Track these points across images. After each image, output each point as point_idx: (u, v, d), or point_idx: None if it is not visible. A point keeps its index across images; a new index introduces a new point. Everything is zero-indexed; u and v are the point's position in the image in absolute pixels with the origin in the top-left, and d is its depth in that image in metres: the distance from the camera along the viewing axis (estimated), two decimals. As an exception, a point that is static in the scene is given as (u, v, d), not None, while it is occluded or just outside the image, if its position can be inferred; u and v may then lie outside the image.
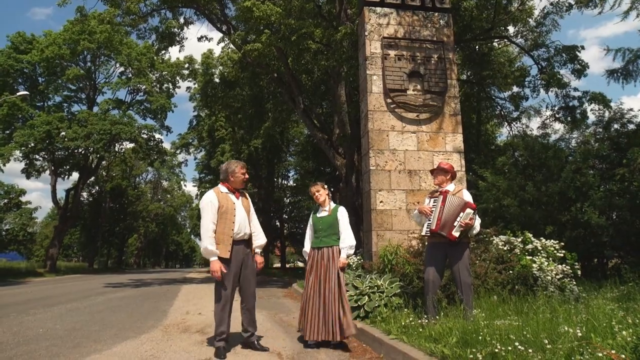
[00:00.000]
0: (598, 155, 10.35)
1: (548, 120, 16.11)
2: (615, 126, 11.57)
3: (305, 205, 34.84)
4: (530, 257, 6.32)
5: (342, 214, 4.74)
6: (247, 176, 4.51)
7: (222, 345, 4.13)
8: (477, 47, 16.28)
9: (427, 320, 4.26)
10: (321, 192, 4.76)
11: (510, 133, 17.12)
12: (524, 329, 3.45)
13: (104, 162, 35.83)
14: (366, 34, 7.83)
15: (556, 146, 11.30)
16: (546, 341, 3.06)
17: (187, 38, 17.11)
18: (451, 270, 4.62)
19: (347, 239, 4.59)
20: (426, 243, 6.40)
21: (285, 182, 38.04)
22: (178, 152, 35.04)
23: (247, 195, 4.60)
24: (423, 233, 4.78)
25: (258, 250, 4.51)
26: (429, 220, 4.64)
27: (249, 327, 4.34)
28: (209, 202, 4.25)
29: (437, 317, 4.41)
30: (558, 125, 15.38)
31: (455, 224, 4.42)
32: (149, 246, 61.77)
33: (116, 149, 31.38)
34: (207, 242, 4.14)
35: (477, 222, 4.61)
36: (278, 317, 6.66)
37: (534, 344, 3.10)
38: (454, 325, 3.81)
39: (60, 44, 26.67)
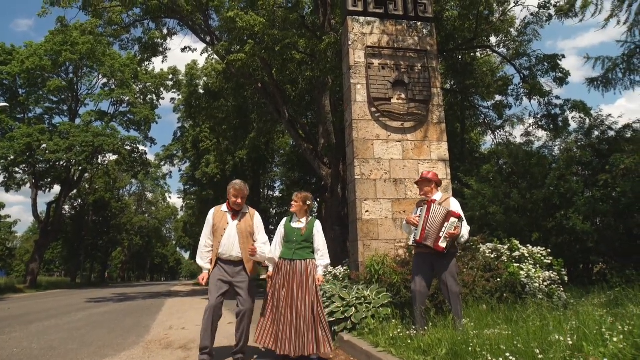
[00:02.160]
0: (581, 162, 10.44)
1: (531, 128, 16.30)
2: (596, 133, 11.73)
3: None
4: (518, 265, 6.29)
5: (319, 229, 4.62)
6: (238, 200, 4.40)
7: (205, 359, 4.02)
8: (460, 56, 16.44)
9: (415, 331, 4.18)
10: (297, 204, 4.62)
11: (494, 141, 17.26)
12: (515, 338, 3.38)
13: (86, 175, 35.26)
14: (350, 43, 7.82)
15: (540, 153, 11.38)
16: (537, 351, 2.99)
17: (170, 49, 17.01)
18: (439, 280, 4.56)
19: (325, 257, 4.51)
20: (413, 253, 6.41)
21: (271, 193, 37.84)
22: (162, 163, 34.63)
23: (252, 215, 4.55)
24: (410, 243, 4.71)
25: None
26: (416, 230, 4.58)
27: (237, 345, 4.27)
28: (207, 219, 4.47)
29: (426, 327, 4.33)
30: (541, 133, 15.50)
31: (440, 234, 4.36)
32: (134, 259, 60.82)
33: (99, 161, 30.95)
34: (199, 257, 4.43)
35: (465, 229, 4.55)
36: (264, 330, 6.50)
37: (525, 354, 3.03)
38: (443, 336, 3.73)
39: (42, 55, 26.29)
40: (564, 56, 14.35)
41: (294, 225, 4.58)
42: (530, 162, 10.94)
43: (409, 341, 3.91)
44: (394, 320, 4.89)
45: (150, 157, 35.20)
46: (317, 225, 4.60)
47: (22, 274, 38.68)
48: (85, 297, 15.69)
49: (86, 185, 39.93)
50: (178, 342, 5.51)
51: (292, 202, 4.66)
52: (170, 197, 55.59)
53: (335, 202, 14.96)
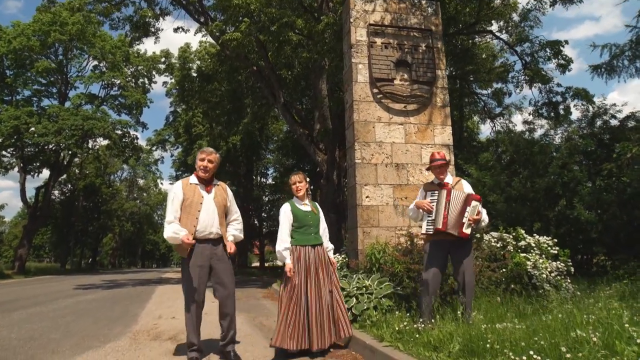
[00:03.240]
0: (584, 151, 10.18)
1: (531, 116, 16.03)
2: (599, 122, 11.47)
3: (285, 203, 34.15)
4: (524, 255, 6.03)
5: (321, 212, 4.43)
6: (205, 164, 3.86)
7: (195, 356, 3.70)
8: (459, 42, 16.07)
9: (423, 325, 3.89)
10: (302, 185, 4.28)
11: (494, 129, 16.98)
12: (535, 334, 3.09)
13: (76, 159, 34.64)
14: (351, 20, 7.43)
15: (542, 142, 11.11)
16: (564, 349, 2.71)
17: (162, 29, 16.40)
18: (455, 270, 4.25)
19: (328, 240, 4.35)
20: (418, 242, 6.10)
21: (264, 180, 37.49)
22: (154, 148, 34.11)
23: (225, 189, 4.08)
24: (423, 231, 4.33)
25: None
26: (430, 217, 4.24)
27: (226, 336, 3.87)
28: (173, 195, 3.86)
29: (433, 320, 4.04)
30: (542, 121, 15.23)
31: (464, 220, 4.05)
32: (125, 246, 60.27)
33: (89, 146, 30.33)
34: (168, 230, 3.70)
35: (484, 213, 4.25)
36: (258, 320, 6.21)
37: (549, 352, 2.74)
38: (454, 331, 3.44)
39: (30, 36, 25.47)
40: (567, 42, 14.02)
41: (303, 208, 4.25)
42: (532, 150, 10.67)
43: (417, 335, 3.62)
44: (397, 312, 4.59)
45: (142, 143, 34.72)
46: (319, 208, 4.37)
47: (10, 259, 38.05)
48: (73, 284, 15.32)
49: (76, 170, 39.29)
50: (167, 333, 5.20)
51: (297, 185, 4.28)
52: (162, 183, 54.91)
53: (331, 189, 14.65)
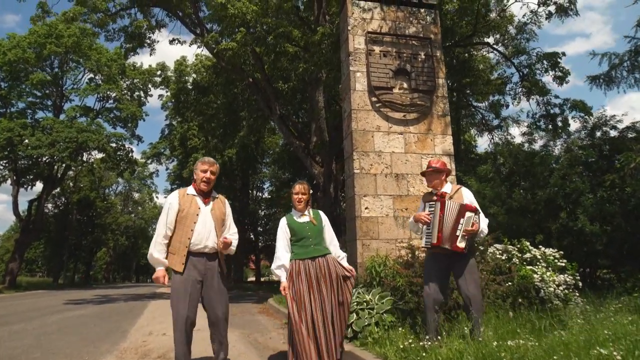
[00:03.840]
0: (585, 162, 10.02)
1: (528, 129, 15.93)
2: (598, 133, 11.35)
3: (281, 217, 33.81)
4: (530, 267, 5.80)
5: (327, 220, 4.12)
6: (208, 175, 3.66)
7: (183, 379, 3.42)
8: (456, 54, 16.04)
9: (429, 342, 3.64)
10: (305, 197, 4.03)
11: (491, 141, 16.86)
12: (554, 352, 2.86)
13: (70, 172, 34.31)
14: (349, 28, 7.29)
15: (542, 153, 10.96)
16: (587, 370, 2.48)
17: (158, 41, 16.28)
18: (457, 285, 4.01)
19: (340, 248, 4.04)
20: (420, 255, 5.87)
21: (260, 195, 37.21)
22: (149, 161, 33.79)
23: (224, 203, 3.84)
24: (423, 245, 4.11)
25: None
26: (428, 230, 4.02)
27: (219, 355, 3.60)
28: (168, 205, 3.63)
29: (439, 337, 3.80)
30: (541, 132, 15.11)
31: (457, 233, 3.82)
32: (119, 260, 59.53)
33: (83, 159, 30.04)
34: (154, 249, 3.53)
35: (484, 223, 4.02)
36: (252, 337, 5.93)
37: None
38: (464, 349, 3.20)
39: (25, 48, 25.36)
40: (564, 54, 14.00)
41: (301, 220, 3.98)
42: (532, 162, 10.52)
43: (423, 354, 3.37)
44: (401, 329, 4.35)
45: (137, 156, 34.43)
46: (324, 216, 4.08)
47: (1, 273, 37.43)
48: (64, 299, 14.93)
49: (70, 184, 38.92)
50: (157, 351, 4.92)
51: (299, 196, 4.01)
52: (157, 197, 54.50)
53: (327, 202, 14.41)
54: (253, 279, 40.54)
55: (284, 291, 3.76)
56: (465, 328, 4.11)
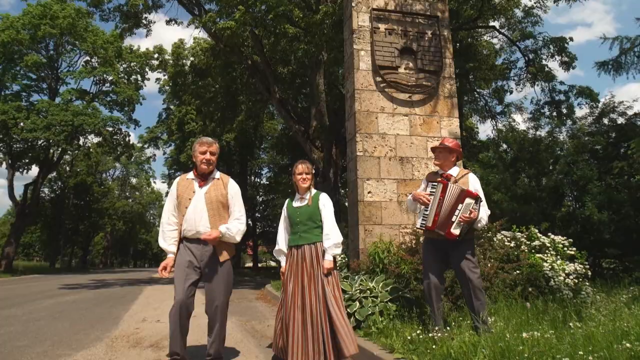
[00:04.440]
0: (592, 149, 9.77)
1: (532, 115, 15.65)
2: (605, 120, 11.09)
3: (279, 203, 33.81)
4: (540, 255, 5.58)
5: (325, 202, 3.69)
6: (208, 157, 3.40)
7: (175, 368, 3.18)
8: (460, 38, 15.67)
9: (438, 333, 3.40)
10: (309, 177, 3.69)
11: (495, 128, 16.57)
12: (578, 347, 2.62)
13: (66, 157, 33.94)
14: (353, 4, 6.96)
15: (549, 139, 10.70)
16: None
17: (154, 22, 15.87)
18: (455, 271, 3.76)
19: (333, 235, 3.54)
20: (421, 239, 5.63)
21: (258, 180, 36.97)
22: (146, 146, 33.37)
23: (227, 184, 3.50)
24: (418, 226, 3.87)
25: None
26: (426, 212, 3.76)
27: (210, 349, 3.35)
28: (170, 191, 3.54)
29: (448, 327, 3.57)
30: (546, 119, 14.83)
31: (453, 219, 3.56)
32: (116, 245, 59.37)
33: (80, 143, 29.65)
34: (160, 237, 3.47)
35: (484, 212, 3.73)
36: (250, 325, 5.71)
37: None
38: (477, 341, 2.96)
39: (19, 28, 24.81)
40: (571, 39, 13.65)
41: (297, 204, 3.69)
42: (538, 148, 10.26)
43: (433, 346, 3.13)
44: (406, 318, 4.12)
45: (134, 141, 34.09)
46: (323, 198, 3.70)
47: (-3, 258, 37.20)
48: (60, 283, 14.72)
49: (67, 168, 38.59)
50: (149, 339, 4.68)
51: (303, 176, 3.66)
52: (154, 182, 54.24)
53: (327, 187, 14.12)
54: (251, 264, 40.47)
55: (283, 276, 3.63)
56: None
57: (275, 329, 3.59)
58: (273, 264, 50.96)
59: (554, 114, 14.78)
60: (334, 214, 3.68)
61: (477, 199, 3.65)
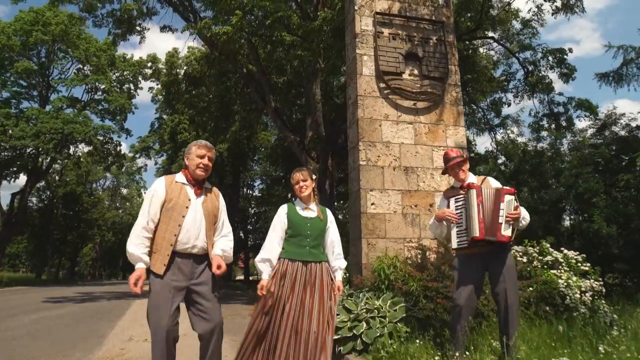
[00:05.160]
0: (596, 161, 9.54)
1: (529, 128, 15.50)
2: (606, 133, 10.90)
3: (271, 216, 33.27)
4: (554, 272, 5.27)
5: (332, 219, 3.36)
6: (206, 162, 2.98)
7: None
8: (458, 49, 15.53)
9: (458, 358, 3.06)
10: (308, 183, 3.30)
11: (494, 140, 16.38)
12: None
13: (56, 166, 33.37)
14: (356, 8, 6.69)
15: (552, 151, 10.47)
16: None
17: (148, 28, 15.60)
18: (493, 287, 3.42)
19: (342, 257, 3.27)
20: (431, 255, 5.30)
21: (251, 192, 36.52)
22: (137, 155, 32.84)
23: (218, 196, 3.11)
24: (455, 246, 3.50)
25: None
26: (460, 227, 3.44)
27: None
28: (152, 192, 2.95)
29: (467, 353, 3.23)
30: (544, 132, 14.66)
31: (500, 220, 3.26)
32: (105, 256, 58.43)
33: (70, 151, 29.12)
34: (131, 242, 2.86)
35: (523, 210, 3.46)
36: (245, 344, 5.31)
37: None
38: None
39: (10, 34, 24.45)
40: (571, 50, 13.54)
41: (305, 214, 3.26)
42: (540, 160, 10.03)
43: (456, 376, 2.78)
44: (418, 341, 3.77)
45: (125, 151, 33.61)
46: (330, 215, 3.36)
47: (-18, 269, 36.29)
48: (44, 296, 14.18)
49: (56, 177, 37.94)
50: (135, 361, 4.29)
51: (300, 184, 3.28)
52: (145, 192, 53.50)
53: (324, 199, 13.80)
54: (242, 277, 39.83)
55: (261, 290, 3.09)
56: (493, 342, 3.56)
57: (247, 346, 3.05)
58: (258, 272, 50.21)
59: (553, 126, 14.62)
60: None
61: (514, 194, 3.37)
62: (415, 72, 6.60)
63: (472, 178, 3.67)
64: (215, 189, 3.15)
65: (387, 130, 6.24)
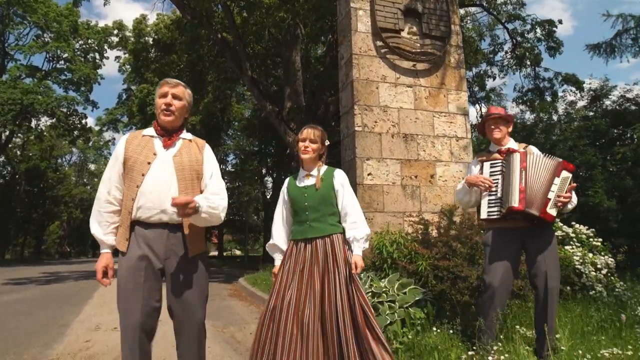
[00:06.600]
0: (593, 133, 9.20)
1: (514, 103, 15.17)
2: (607, 102, 10.61)
3: (245, 190, 32.60)
4: (568, 248, 4.86)
5: (343, 182, 2.66)
6: (169, 100, 2.24)
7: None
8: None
9: (495, 354, 2.55)
10: (315, 147, 2.64)
11: (480, 112, 16.01)
12: None
13: (17, 140, 31.57)
14: (349, -44, 5.98)
15: (545, 123, 10.11)
16: None
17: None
18: (530, 268, 2.91)
19: (361, 223, 2.57)
20: (432, 231, 4.79)
21: (224, 167, 35.54)
22: (105, 129, 31.27)
23: (202, 148, 2.40)
24: (484, 216, 2.95)
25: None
26: (492, 195, 2.91)
27: None
28: (113, 154, 2.28)
29: (500, 343, 2.74)
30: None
31: (550, 196, 2.72)
32: (73, 234, 56.53)
33: (31, 125, 27.44)
34: (93, 220, 2.22)
35: (572, 192, 2.93)
36: (228, 332, 4.74)
37: None
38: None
39: (-41, -4, 22.52)
40: (560, 22, 13.13)
41: (303, 183, 2.67)
42: (533, 131, 9.65)
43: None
44: (435, 328, 3.26)
45: (92, 125, 32.04)
46: (340, 176, 2.68)
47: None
48: (5, 277, 13.22)
49: (17, 152, 36.01)
50: (103, 357, 3.65)
51: (307, 143, 2.64)
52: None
53: (303, 173, 13.22)
54: (216, 253, 39.15)
55: (274, 278, 2.61)
56: (527, 332, 3.08)
57: (255, 350, 2.46)
58: (238, 252, 49.68)
59: (537, 102, 14.31)
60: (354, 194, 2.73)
61: (573, 172, 2.84)
62: (415, 30, 5.99)
63: (512, 143, 3.11)
64: (198, 140, 2.44)
65: (384, 93, 5.64)
